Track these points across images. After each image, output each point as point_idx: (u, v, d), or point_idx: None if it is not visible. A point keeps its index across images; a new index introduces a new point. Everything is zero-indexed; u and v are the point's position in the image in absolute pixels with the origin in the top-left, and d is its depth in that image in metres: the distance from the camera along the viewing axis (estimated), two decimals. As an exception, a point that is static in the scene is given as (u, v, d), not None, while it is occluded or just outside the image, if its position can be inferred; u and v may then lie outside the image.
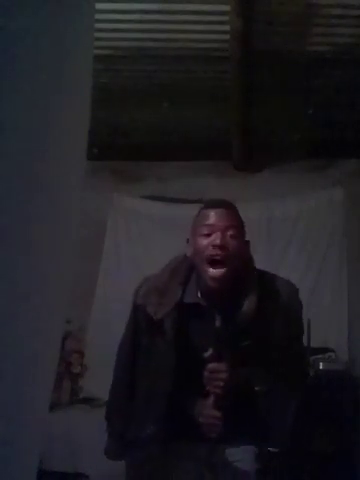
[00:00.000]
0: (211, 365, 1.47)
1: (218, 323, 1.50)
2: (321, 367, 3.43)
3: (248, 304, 1.51)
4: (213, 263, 1.49)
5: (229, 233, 1.52)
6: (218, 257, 1.49)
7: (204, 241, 1.52)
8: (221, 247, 1.49)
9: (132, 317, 1.68)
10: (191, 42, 3.16)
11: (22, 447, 0.78)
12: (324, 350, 3.56)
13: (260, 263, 1.84)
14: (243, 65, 3.19)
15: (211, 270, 1.49)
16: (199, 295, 1.58)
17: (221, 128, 3.86)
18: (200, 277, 1.56)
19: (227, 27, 2.96)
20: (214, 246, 1.49)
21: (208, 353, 1.47)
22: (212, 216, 1.53)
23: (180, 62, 3.32)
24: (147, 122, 3.91)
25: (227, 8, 2.85)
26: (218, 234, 1.50)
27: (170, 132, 4.03)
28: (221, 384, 1.45)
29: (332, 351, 3.62)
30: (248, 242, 1.60)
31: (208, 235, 1.51)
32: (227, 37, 3.03)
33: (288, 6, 2.87)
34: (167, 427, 1.53)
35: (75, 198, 0.92)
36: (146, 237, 4.19)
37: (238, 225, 1.56)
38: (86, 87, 0.95)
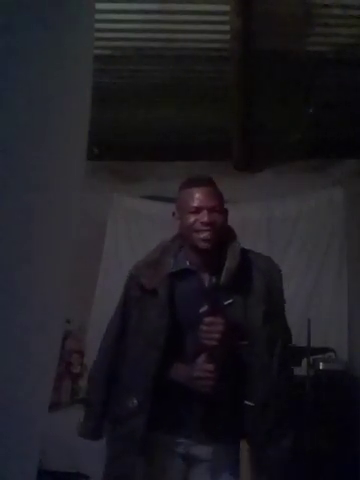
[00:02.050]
0: (208, 318, 1.55)
1: (210, 281, 1.64)
2: (321, 367, 3.43)
3: (231, 259, 1.65)
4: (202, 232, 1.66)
5: (215, 209, 1.66)
6: (207, 235, 1.64)
7: (192, 218, 1.66)
8: (209, 224, 1.63)
9: (125, 289, 1.78)
10: (191, 42, 3.16)
11: (22, 447, 0.78)
12: (324, 350, 3.56)
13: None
14: (243, 65, 3.19)
15: (201, 235, 1.65)
16: (188, 263, 1.71)
17: (221, 128, 3.86)
18: (188, 246, 1.71)
19: (227, 27, 2.96)
20: (202, 223, 1.64)
21: (203, 309, 1.56)
22: (198, 196, 1.67)
23: (180, 62, 3.32)
24: (147, 122, 3.91)
25: (227, 8, 2.85)
26: (205, 212, 1.64)
27: (170, 132, 4.03)
28: (217, 336, 1.53)
29: (332, 351, 3.62)
30: (226, 211, 1.74)
31: (195, 212, 1.66)
32: (227, 37, 3.03)
33: (288, 6, 2.87)
34: (152, 399, 1.59)
35: (75, 198, 0.92)
36: (146, 237, 4.18)
37: (220, 200, 1.70)
38: (86, 87, 0.95)
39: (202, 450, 1.63)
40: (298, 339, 3.35)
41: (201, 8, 2.91)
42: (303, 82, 3.44)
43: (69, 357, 3.84)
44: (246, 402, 1.56)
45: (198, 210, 1.65)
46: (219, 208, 1.67)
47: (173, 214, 1.75)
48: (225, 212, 1.72)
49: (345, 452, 3.14)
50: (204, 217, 1.63)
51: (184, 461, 1.64)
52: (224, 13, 2.89)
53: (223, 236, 1.69)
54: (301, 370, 3.14)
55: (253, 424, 1.57)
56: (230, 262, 1.64)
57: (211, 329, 1.54)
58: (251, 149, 4.11)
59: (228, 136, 3.88)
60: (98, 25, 2.20)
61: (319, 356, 3.48)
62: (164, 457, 1.63)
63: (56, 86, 0.80)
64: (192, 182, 1.73)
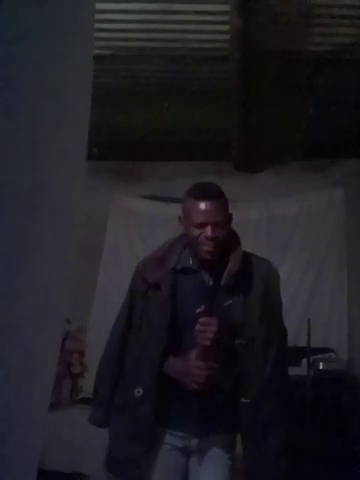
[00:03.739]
0: (203, 319, 1.59)
1: (210, 282, 1.69)
2: (321, 367, 3.43)
3: (233, 263, 1.69)
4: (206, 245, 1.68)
5: (218, 224, 1.67)
6: (211, 248, 1.66)
7: (196, 231, 1.68)
8: (212, 239, 1.66)
9: (131, 283, 1.83)
10: (191, 42, 3.16)
11: (22, 447, 0.78)
12: (324, 350, 3.56)
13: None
14: (243, 65, 3.19)
15: (205, 247, 1.68)
16: (190, 262, 1.75)
17: (221, 128, 3.86)
18: (193, 250, 1.75)
19: (227, 27, 2.96)
20: (207, 237, 1.66)
21: (200, 309, 1.62)
22: (203, 210, 1.67)
23: (180, 62, 3.32)
24: (147, 122, 3.91)
25: (227, 8, 2.85)
26: (209, 227, 1.66)
27: (170, 132, 4.02)
28: (211, 336, 1.58)
29: (332, 351, 3.62)
30: (230, 217, 1.75)
31: (200, 227, 1.67)
32: (227, 37, 3.03)
33: (288, 6, 2.87)
34: (157, 388, 1.65)
35: (75, 198, 0.92)
36: (146, 237, 4.18)
37: (224, 213, 1.71)
38: (86, 87, 0.95)
39: (199, 443, 1.69)
40: (298, 339, 3.35)
41: (201, 8, 2.91)
42: (303, 82, 3.44)
43: (69, 357, 3.83)
44: (242, 399, 1.62)
45: (202, 225, 1.67)
46: (224, 220, 1.69)
47: (179, 219, 1.77)
48: (229, 220, 1.73)
49: (345, 452, 3.14)
50: (208, 232, 1.66)
51: (182, 454, 1.71)
52: (224, 13, 2.89)
53: (227, 242, 1.72)
54: (301, 370, 3.14)
55: (247, 420, 1.64)
56: (232, 265, 1.69)
57: (205, 329, 1.59)
58: (251, 149, 4.11)
59: (228, 136, 3.88)
60: (98, 25, 2.20)
61: (319, 356, 3.48)
62: (162, 450, 1.69)
63: (56, 86, 0.80)
64: (199, 193, 1.72)
